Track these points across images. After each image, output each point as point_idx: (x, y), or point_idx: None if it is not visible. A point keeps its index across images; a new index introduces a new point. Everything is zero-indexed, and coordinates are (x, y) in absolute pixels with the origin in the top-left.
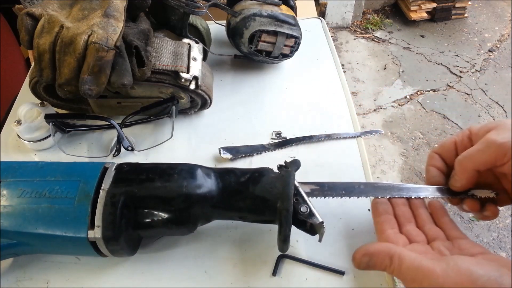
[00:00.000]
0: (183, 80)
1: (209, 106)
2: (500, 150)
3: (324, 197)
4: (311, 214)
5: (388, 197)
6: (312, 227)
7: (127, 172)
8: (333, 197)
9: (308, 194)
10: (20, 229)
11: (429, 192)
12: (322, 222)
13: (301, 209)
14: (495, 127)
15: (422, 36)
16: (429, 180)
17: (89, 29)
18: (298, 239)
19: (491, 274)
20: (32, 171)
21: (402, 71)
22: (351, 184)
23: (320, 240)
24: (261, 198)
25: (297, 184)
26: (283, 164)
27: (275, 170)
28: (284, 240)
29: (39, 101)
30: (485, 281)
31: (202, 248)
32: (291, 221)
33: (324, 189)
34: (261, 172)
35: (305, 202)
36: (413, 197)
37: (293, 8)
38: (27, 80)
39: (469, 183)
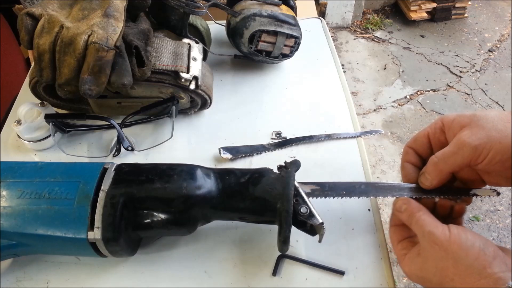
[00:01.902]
0: (183, 80)
1: (209, 106)
2: (474, 152)
3: (325, 197)
4: (311, 215)
5: (389, 197)
6: (312, 228)
7: (126, 173)
8: (333, 197)
9: (309, 195)
10: (20, 230)
11: (429, 192)
12: (322, 223)
13: (301, 210)
14: (468, 124)
15: (422, 36)
16: (405, 177)
17: (89, 29)
18: (298, 239)
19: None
20: (31, 171)
21: (402, 71)
22: (352, 184)
23: (320, 241)
24: (261, 199)
25: (297, 185)
26: (283, 164)
27: (275, 170)
28: (284, 241)
29: (39, 101)
30: (470, 246)
31: (202, 248)
32: (291, 222)
33: (324, 189)
34: (261, 173)
35: (305, 202)
36: (413, 197)
37: (293, 8)
38: (27, 80)
39: (440, 183)
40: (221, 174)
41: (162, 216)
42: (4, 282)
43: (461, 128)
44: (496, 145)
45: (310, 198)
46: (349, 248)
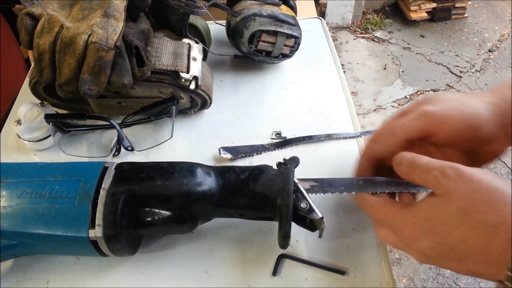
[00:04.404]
0: (183, 80)
1: (209, 106)
2: (433, 118)
3: (324, 193)
4: (311, 209)
5: (387, 192)
6: (312, 223)
7: (127, 171)
8: (332, 193)
9: (308, 191)
10: (20, 230)
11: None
12: (322, 218)
13: (301, 205)
14: (428, 100)
15: (422, 36)
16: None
17: (89, 29)
18: (298, 239)
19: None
20: (31, 171)
21: (402, 71)
22: (350, 180)
23: (320, 236)
24: (261, 195)
25: (296, 181)
26: (282, 161)
27: (275, 167)
28: (284, 236)
29: (39, 101)
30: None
31: (202, 248)
32: (291, 217)
33: (323, 185)
34: (260, 170)
35: (304, 198)
36: (411, 192)
37: (293, 8)
38: (27, 80)
39: (396, 151)
40: (221, 171)
41: (163, 213)
42: (4, 282)
43: (421, 105)
44: (456, 112)
45: (310, 194)
46: (349, 248)
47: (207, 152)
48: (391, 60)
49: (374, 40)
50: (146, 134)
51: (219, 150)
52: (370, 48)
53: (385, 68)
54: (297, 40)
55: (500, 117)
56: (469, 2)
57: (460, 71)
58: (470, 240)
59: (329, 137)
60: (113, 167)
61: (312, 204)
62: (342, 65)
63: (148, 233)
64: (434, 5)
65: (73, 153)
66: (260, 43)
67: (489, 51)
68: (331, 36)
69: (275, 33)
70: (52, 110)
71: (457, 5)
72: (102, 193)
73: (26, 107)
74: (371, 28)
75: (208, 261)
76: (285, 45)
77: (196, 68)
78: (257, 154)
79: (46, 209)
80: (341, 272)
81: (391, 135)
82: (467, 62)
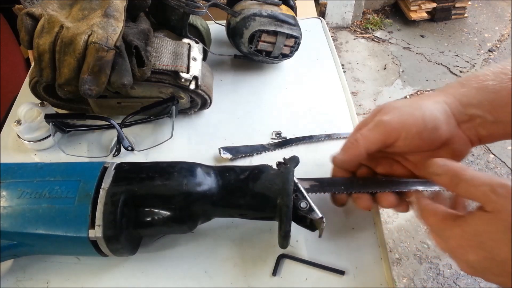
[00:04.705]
0: (183, 80)
1: (209, 106)
2: (390, 127)
3: (324, 193)
4: (311, 209)
5: (387, 191)
6: (312, 223)
7: (127, 171)
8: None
9: (308, 190)
10: (20, 230)
11: (428, 185)
12: (322, 217)
13: (301, 205)
14: (382, 110)
15: (422, 36)
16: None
17: (89, 29)
18: (298, 239)
19: None
20: (31, 171)
21: (402, 71)
22: (350, 179)
23: (320, 236)
24: (261, 195)
25: (296, 181)
26: (282, 161)
27: (274, 167)
28: (284, 236)
29: (39, 101)
30: None
31: (202, 248)
32: (291, 217)
33: (323, 185)
34: (260, 169)
35: (304, 198)
36: (411, 190)
37: (293, 8)
38: (27, 80)
39: (352, 160)
40: (221, 171)
41: (163, 213)
42: (4, 282)
43: (375, 115)
44: (409, 117)
45: (309, 194)
46: (349, 248)
47: (207, 152)
48: (391, 60)
49: (374, 40)
50: (146, 134)
51: (219, 150)
52: (370, 48)
53: (385, 68)
54: (297, 40)
55: (453, 114)
56: (469, 2)
57: (460, 71)
58: None
59: (329, 137)
60: (113, 167)
61: (312, 204)
62: (342, 65)
63: (148, 233)
64: (434, 5)
65: (73, 153)
66: (260, 43)
67: (489, 51)
68: (331, 36)
69: (275, 33)
70: (52, 110)
71: (457, 5)
72: (102, 193)
73: (26, 107)
74: (371, 28)
75: (208, 261)
76: (285, 45)
77: (196, 68)
78: (257, 154)
79: (46, 209)
80: (341, 272)
81: (354, 147)
82: (467, 62)
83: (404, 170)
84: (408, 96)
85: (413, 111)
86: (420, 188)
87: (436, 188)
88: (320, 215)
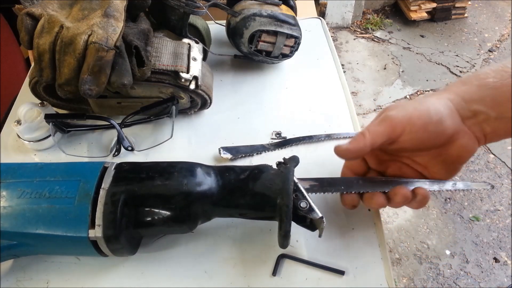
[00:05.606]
0: (183, 80)
1: (209, 106)
2: (396, 120)
3: (324, 193)
4: (311, 209)
5: (386, 191)
6: (312, 223)
7: (127, 171)
8: (332, 193)
9: (308, 190)
10: (20, 230)
11: (426, 185)
12: (322, 217)
13: (301, 205)
14: (390, 107)
15: (422, 36)
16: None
17: (89, 29)
18: (298, 239)
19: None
20: (31, 171)
21: (402, 71)
22: (350, 179)
23: (320, 236)
24: (261, 195)
25: (296, 180)
26: (282, 161)
27: (274, 167)
28: (284, 235)
29: (39, 101)
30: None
31: (202, 248)
32: (291, 217)
33: (323, 185)
34: (260, 169)
35: (304, 197)
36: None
37: (293, 8)
38: (27, 80)
39: (357, 152)
40: (221, 171)
41: (163, 213)
42: (4, 282)
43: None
44: (414, 110)
45: (309, 193)
46: (349, 248)
47: (207, 152)
48: (391, 60)
49: (374, 40)
50: (146, 134)
51: (219, 150)
52: (370, 48)
53: (385, 68)
54: (297, 40)
55: (457, 110)
56: (469, 2)
57: (460, 71)
58: None
59: (329, 137)
60: (113, 167)
61: (312, 204)
62: (342, 65)
63: (148, 233)
64: (434, 5)
65: (73, 153)
66: (260, 43)
67: (489, 51)
68: (331, 36)
69: (275, 33)
70: (52, 110)
71: (457, 5)
72: (102, 193)
73: (26, 107)
74: (371, 28)
75: (208, 261)
76: (285, 45)
77: (196, 68)
78: (257, 154)
79: (46, 209)
80: (341, 272)
81: (359, 139)
82: (467, 62)
83: (413, 173)
84: (408, 96)
85: (417, 106)
86: (422, 186)
87: (436, 188)
88: (320, 215)
